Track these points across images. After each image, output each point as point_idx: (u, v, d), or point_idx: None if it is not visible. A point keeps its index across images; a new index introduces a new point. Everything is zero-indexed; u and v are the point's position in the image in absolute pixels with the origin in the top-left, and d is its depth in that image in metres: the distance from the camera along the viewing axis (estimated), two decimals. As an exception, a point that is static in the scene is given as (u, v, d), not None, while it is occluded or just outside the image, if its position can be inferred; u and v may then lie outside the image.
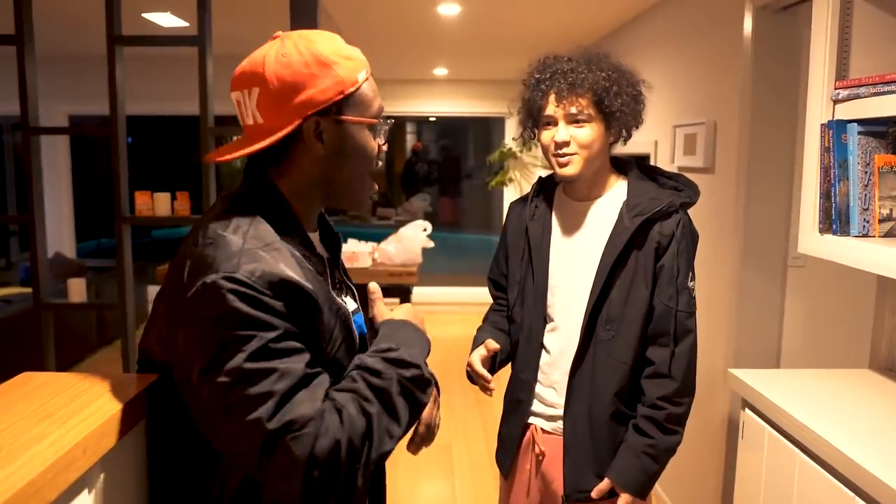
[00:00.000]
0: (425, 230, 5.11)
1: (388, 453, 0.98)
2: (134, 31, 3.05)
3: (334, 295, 1.08)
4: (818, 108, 1.65)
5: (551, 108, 1.57)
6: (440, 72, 6.05)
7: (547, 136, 1.59)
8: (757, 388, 1.70)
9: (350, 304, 1.18)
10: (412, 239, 5.01)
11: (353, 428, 0.93)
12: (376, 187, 1.17)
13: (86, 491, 0.98)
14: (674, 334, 1.55)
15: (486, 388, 1.59)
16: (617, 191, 1.65)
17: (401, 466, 3.66)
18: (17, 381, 1.16)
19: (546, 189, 1.74)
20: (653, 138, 3.35)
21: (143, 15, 4.38)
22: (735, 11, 2.49)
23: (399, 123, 10.11)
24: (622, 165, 1.70)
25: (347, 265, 4.71)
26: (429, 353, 1.11)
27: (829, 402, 1.63)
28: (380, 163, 1.14)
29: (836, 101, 1.62)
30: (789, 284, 2.53)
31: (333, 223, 1.25)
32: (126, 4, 3.89)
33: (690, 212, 1.63)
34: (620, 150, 4.14)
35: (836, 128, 1.59)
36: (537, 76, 1.61)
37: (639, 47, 3.70)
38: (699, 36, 2.90)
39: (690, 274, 1.58)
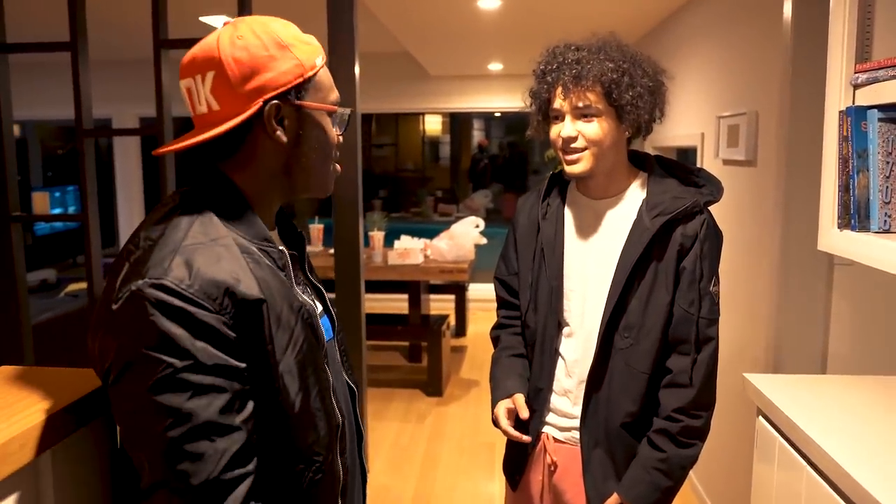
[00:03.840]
0: (477, 226, 5.06)
1: None
2: (194, 35, 3.15)
3: (297, 292, 1.03)
4: (837, 94, 1.52)
5: (558, 102, 1.48)
6: (495, 67, 5.98)
7: (554, 131, 1.50)
8: (770, 395, 1.60)
9: (317, 305, 1.13)
10: (464, 235, 4.98)
11: None
12: (339, 169, 1.14)
13: (26, 485, 1.00)
14: (695, 342, 1.44)
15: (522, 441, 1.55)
16: (636, 188, 1.54)
17: (441, 465, 3.65)
18: (-8, 373, 1.20)
19: (559, 186, 1.64)
20: (699, 130, 3.21)
21: (201, 18, 4.52)
22: (775, -5, 2.35)
23: (465, 119, 10.11)
24: (642, 161, 1.59)
25: (399, 262, 4.70)
26: None
27: (850, 413, 1.51)
28: (337, 153, 1.11)
29: (855, 86, 1.49)
30: (836, 284, 2.36)
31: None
32: (186, 8, 4.02)
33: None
34: (667, 143, 3.99)
35: (855, 115, 1.46)
36: (543, 67, 1.51)
37: (685, 37, 3.56)
38: (741, 23, 2.76)
39: (714, 278, 1.46)
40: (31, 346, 3.05)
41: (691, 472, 3.26)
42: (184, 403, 0.84)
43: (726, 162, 2.84)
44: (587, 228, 1.56)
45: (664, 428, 1.45)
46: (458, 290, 5.70)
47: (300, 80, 0.99)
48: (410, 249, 4.82)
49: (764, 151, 2.48)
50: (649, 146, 4.28)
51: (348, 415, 1.15)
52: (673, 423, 1.44)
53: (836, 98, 1.53)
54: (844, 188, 1.50)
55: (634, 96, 1.44)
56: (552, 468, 1.60)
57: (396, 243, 4.99)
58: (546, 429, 1.61)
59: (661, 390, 1.47)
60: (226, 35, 0.97)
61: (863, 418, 1.49)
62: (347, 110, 1.11)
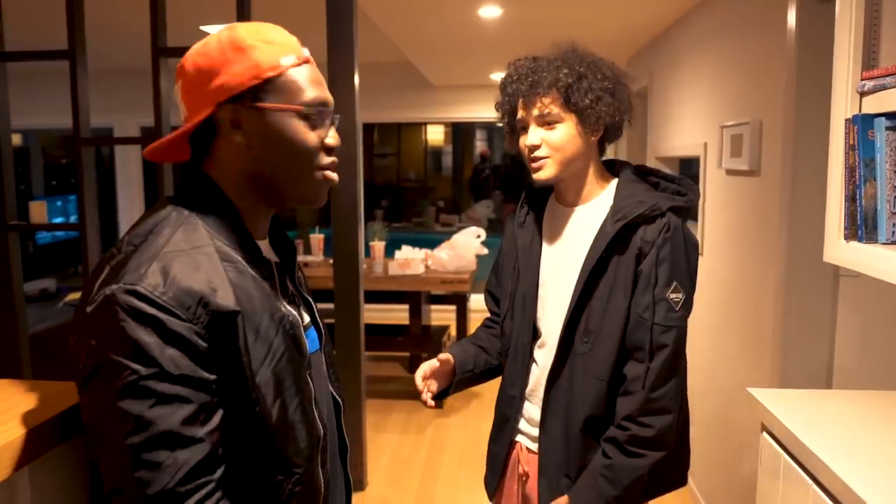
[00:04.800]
0: (479, 237, 5.04)
1: None
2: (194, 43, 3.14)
3: (281, 303, 1.02)
4: (843, 102, 1.49)
5: (520, 113, 1.51)
6: (497, 76, 5.96)
7: (522, 141, 1.52)
8: (774, 410, 1.55)
9: (304, 317, 1.12)
10: (465, 246, 4.96)
11: None
12: (335, 178, 1.06)
13: (4, 501, 0.97)
14: (649, 349, 1.41)
15: (423, 401, 1.55)
16: (606, 194, 1.54)
17: (441, 477, 3.60)
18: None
19: (538, 195, 1.66)
20: (702, 140, 3.18)
21: (201, 27, 4.51)
22: (779, 3, 2.32)
23: (467, 129, 10.10)
24: (616, 168, 1.59)
25: (400, 272, 4.66)
26: None
27: (857, 429, 1.47)
28: (325, 158, 1.04)
29: (862, 94, 1.46)
30: (842, 296, 2.32)
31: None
32: (187, 18, 4.02)
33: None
34: (670, 153, 3.95)
35: (862, 123, 1.43)
36: (505, 80, 1.54)
37: (688, 46, 3.53)
38: (744, 31, 2.73)
39: (674, 284, 1.43)
40: (28, 356, 3.02)
41: (694, 487, 3.21)
42: (145, 411, 0.83)
43: (730, 172, 2.81)
44: (559, 235, 1.58)
45: (613, 436, 1.44)
46: (460, 301, 5.66)
47: (256, 81, 0.97)
48: (411, 260, 4.79)
49: (768, 161, 2.45)
50: (651, 155, 4.26)
51: (331, 427, 1.14)
52: (621, 431, 1.43)
53: (842, 106, 1.49)
54: (851, 198, 1.47)
55: (593, 99, 1.44)
56: (524, 478, 1.61)
57: (397, 253, 4.96)
58: (520, 438, 1.63)
59: (617, 398, 1.47)
60: (198, 43, 1.01)
61: (870, 435, 1.45)
62: (325, 109, 1.03)
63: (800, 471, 1.42)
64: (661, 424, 1.42)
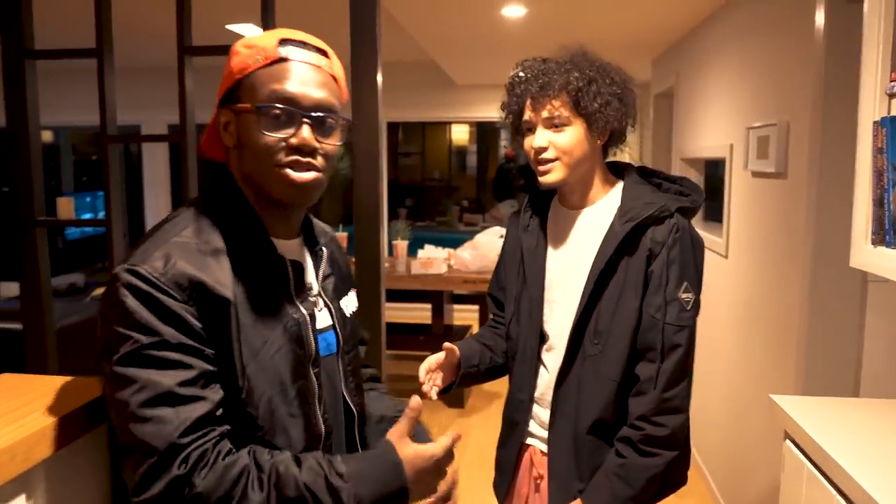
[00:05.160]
0: (502, 237, 5.01)
1: None
2: (225, 42, 3.18)
3: (290, 300, 1.06)
4: (871, 104, 1.46)
5: (528, 114, 1.50)
6: (522, 76, 5.94)
7: (527, 142, 1.52)
8: (798, 418, 1.52)
9: (324, 319, 1.14)
10: (488, 245, 4.94)
11: (214, 493, 0.87)
12: (296, 178, 1.01)
13: (22, 496, 0.98)
14: (661, 349, 1.42)
15: (422, 393, 1.52)
16: (612, 197, 1.54)
17: (461, 476, 3.59)
18: (-7, 382, 1.19)
19: (541, 198, 1.65)
20: (727, 142, 3.14)
21: (227, 26, 4.55)
22: (807, 2, 2.28)
23: (492, 129, 10.08)
24: (620, 170, 1.59)
25: (423, 271, 4.66)
26: (391, 499, 0.97)
27: (884, 439, 1.43)
28: (285, 156, 1.00)
29: (891, 96, 1.43)
30: (870, 301, 2.27)
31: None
32: (214, 17, 4.05)
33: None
34: (695, 154, 3.92)
35: (891, 125, 1.40)
36: (512, 80, 1.54)
37: (714, 47, 3.49)
38: (771, 31, 2.69)
39: (685, 284, 1.44)
40: (55, 350, 3.07)
41: (717, 493, 3.17)
42: (148, 374, 0.89)
43: (755, 174, 2.77)
44: (566, 238, 1.57)
45: (626, 435, 1.45)
46: (482, 301, 5.65)
47: (231, 84, 1.04)
48: (434, 259, 4.79)
49: (795, 163, 2.41)
50: (677, 157, 4.21)
51: (339, 431, 1.14)
52: (635, 430, 1.43)
53: (871, 108, 1.46)
54: (878, 202, 1.44)
55: (602, 104, 1.45)
56: (538, 481, 1.60)
57: (420, 252, 4.97)
58: (532, 441, 1.63)
59: (629, 398, 1.47)
60: None
61: (897, 444, 1.41)
62: (283, 107, 1.00)
63: (823, 480, 1.39)
64: (675, 424, 1.43)
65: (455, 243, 5.16)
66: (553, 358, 1.56)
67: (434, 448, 1.02)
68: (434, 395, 1.55)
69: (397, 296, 4.88)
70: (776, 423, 2.13)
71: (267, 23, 2.80)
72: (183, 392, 0.89)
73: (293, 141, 1.01)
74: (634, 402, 1.45)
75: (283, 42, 1.03)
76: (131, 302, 0.90)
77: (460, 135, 10.54)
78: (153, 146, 6.68)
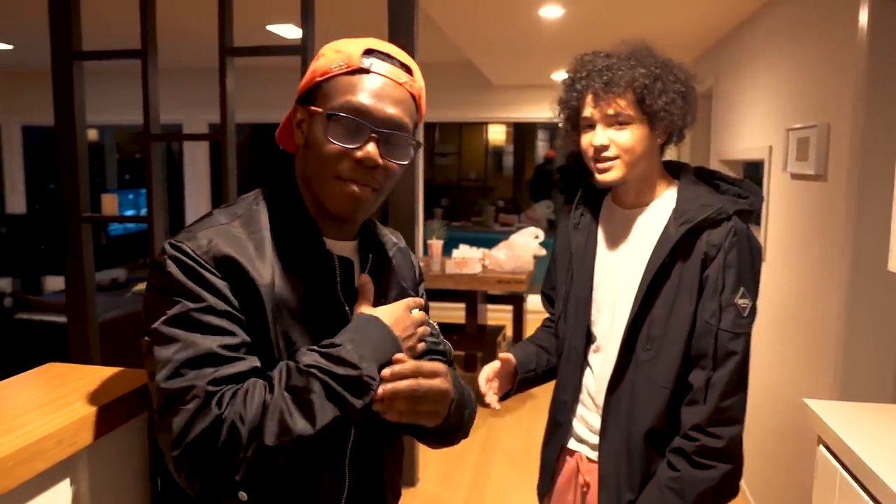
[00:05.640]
0: (537, 237, 5.01)
1: (286, 448, 0.90)
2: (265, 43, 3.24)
3: (335, 300, 1.05)
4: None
5: (588, 110, 1.45)
6: (559, 77, 5.92)
7: (585, 140, 1.47)
8: (832, 423, 1.50)
9: None
10: (523, 246, 4.94)
11: (243, 415, 0.89)
12: (353, 191, 1.01)
13: (67, 480, 1.02)
14: (714, 356, 1.37)
15: (485, 403, 1.50)
16: (667, 197, 1.50)
17: (492, 477, 3.61)
18: (41, 370, 1.24)
19: (593, 196, 1.61)
20: (767, 143, 3.09)
21: (268, 27, 4.62)
22: (851, 1, 2.24)
23: (528, 129, 10.05)
24: (676, 170, 1.54)
25: (457, 271, 4.67)
26: (391, 355, 1.00)
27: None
28: (346, 168, 1.00)
29: (932, 98, 1.40)
30: (911, 307, 2.23)
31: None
32: (255, 18, 4.12)
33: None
34: (734, 156, 3.87)
35: (932, 128, 1.37)
36: (572, 75, 1.48)
37: (754, 47, 3.44)
38: (812, 31, 2.64)
39: (742, 290, 1.39)
40: (98, 343, 3.15)
41: (749, 495, 3.12)
42: (193, 337, 0.92)
43: (794, 176, 2.73)
44: (618, 238, 1.53)
45: (680, 446, 1.39)
46: (517, 301, 5.64)
47: (310, 84, 1.04)
48: (468, 259, 4.81)
49: (835, 166, 2.37)
50: (715, 158, 4.16)
51: (360, 437, 1.08)
52: (689, 441, 1.38)
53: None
54: (918, 206, 1.41)
55: (667, 102, 1.40)
56: (585, 489, 1.56)
57: (455, 252, 4.98)
58: (579, 447, 1.58)
59: (682, 407, 1.41)
60: None
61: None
62: (353, 118, 0.99)
63: (857, 487, 1.37)
64: (730, 435, 1.38)
65: (490, 243, 5.17)
66: (600, 360, 1.53)
67: (397, 303, 1.08)
68: (496, 404, 1.53)
69: (431, 295, 4.87)
70: (810, 428, 2.10)
71: (307, 23, 2.85)
72: (224, 353, 0.92)
73: (357, 154, 1.00)
74: (688, 412, 1.40)
75: (369, 52, 1.03)
76: (177, 272, 0.93)
77: (497, 135, 10.52)
78: (194, 145, 6.82)
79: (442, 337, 1.23)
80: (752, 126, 3.40)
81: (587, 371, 1.57)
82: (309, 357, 0.95)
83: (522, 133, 10.17)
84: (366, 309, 1.06)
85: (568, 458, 1.61)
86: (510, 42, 4.48)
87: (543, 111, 6.37)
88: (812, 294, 2.54)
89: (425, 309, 1.19)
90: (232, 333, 0.94)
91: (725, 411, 1.37)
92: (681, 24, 3.82)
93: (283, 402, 0.91)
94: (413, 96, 1.06)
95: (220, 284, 0.95)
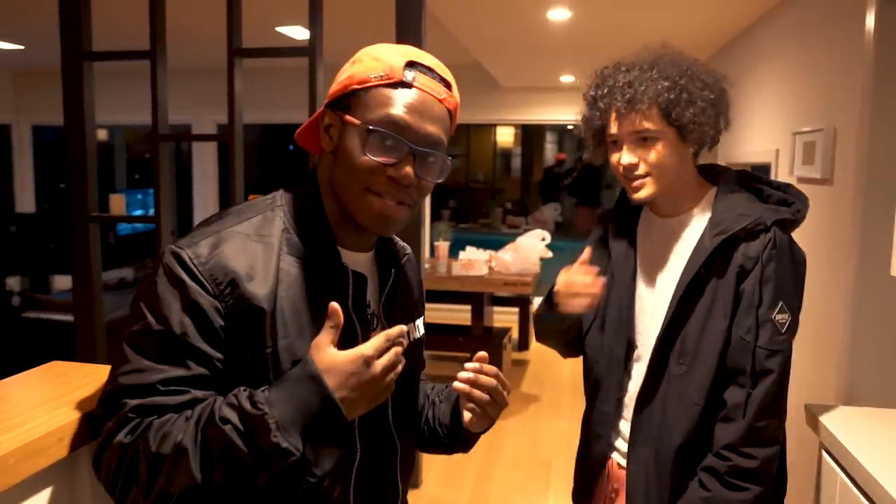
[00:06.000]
0: (543, 239, 5.00)
1: (188, 490, 0.86)
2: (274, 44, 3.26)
3: (346, 315, 0.95)
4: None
5: (613, 128, 1.38)
6: (567, 79, 5.92)
7: (614, 158, 1.40)
8: (834, 428, 1.50)
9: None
10: (529, 248, 4.93)
11: (149, 450, 0.86)
12: (385, 206, 0.99)
13: (68, 478, 1.03)
14: (751, 374, 1.31)
15: (585, 295, 1.37)
16: (705, 204, 1.44)
17: (496, 479, 3.61)
18: (44, 368, 1.25)
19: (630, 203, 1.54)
20: (773, 147, 3.09)
21: (277, 29, 4.63)
22: (857, 4, 2.24)
23: (537, 131, 10.05)
24: (716, 175, 1.47)
25: (463, 273, 4.67)
26: (315, 416, 0.88)
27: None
28: (379, 183, 0.97)
29: (936, 102, 1.40)
30: (918, 312, 2.22)
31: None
32: (264, 20, 4.13)
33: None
34: (740, 159, 3.86)
35: (936, 133, 1.37)
36: (594, 93, 1.41)
37: (760, 50, 3.43)
38: (819, 35, 2.64)
39: (780, 304, 1.33)
40: (104, 342, 3.17)
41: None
42: (142, 363, 0.90)
43: (801, 180, 2.72)
44: (656, 248, 1.48)
45: (712, 465, 1.33)
46: (523, 304, 5.65)
47: (344, 91, 1.00)
48: (475, 261, 4.81)
49: (841, 169, 2.36)
50: (722, 161, 4.15)
51: (375, 459, 1.07)
52: (722, 460, 1.32)
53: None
54: (922, 210, 1.41)
55: (696, 113, 1.33)
56: (613, 495, 1.51)
57: (461, 254, 4.98)
58: (613, 454, 1.53)
59: (716, 424, 1.35)
60: None
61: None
62: (391, 134, 0.96)
63: (858, 494, 1.37)
64: (765, 455, 1.31)
65: (497, 245, 5.16)
66: (639, 370, 1.46)
67: (361, 347, 0.90)
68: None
69: (437, 297, 4.90)
70: (812, 432, 2.09)
71: (314, 24, 2.85)
72: (162, 389, 0.89)
73: (392, 172, 0.97)
74: (721, 430, 1.34)
75: (411, 65, 0.99)
76: (162, 285, 0.91)
77: (505, 137, 10.53)
78: (203, 145, 6.85)
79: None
80: (759, 129, 3.40)
81: (626, 381, 1.50)
82: (228, 410, 0.87)
83: (531, 135, 10.18)
84: (315, 352, 0.91)
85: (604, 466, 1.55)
86: (518, 44, 4.48)
87: (551, 113, 6.37)
88: (817, 298, 2.53)
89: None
90: (185, 366, 0.90)
91: (761, 431, 1.32)
92: (687, 27, 3.82)
93: (193, 445, 0.86)
94: (450, 111, 1.04)
95: (206, 303, 0.91)
